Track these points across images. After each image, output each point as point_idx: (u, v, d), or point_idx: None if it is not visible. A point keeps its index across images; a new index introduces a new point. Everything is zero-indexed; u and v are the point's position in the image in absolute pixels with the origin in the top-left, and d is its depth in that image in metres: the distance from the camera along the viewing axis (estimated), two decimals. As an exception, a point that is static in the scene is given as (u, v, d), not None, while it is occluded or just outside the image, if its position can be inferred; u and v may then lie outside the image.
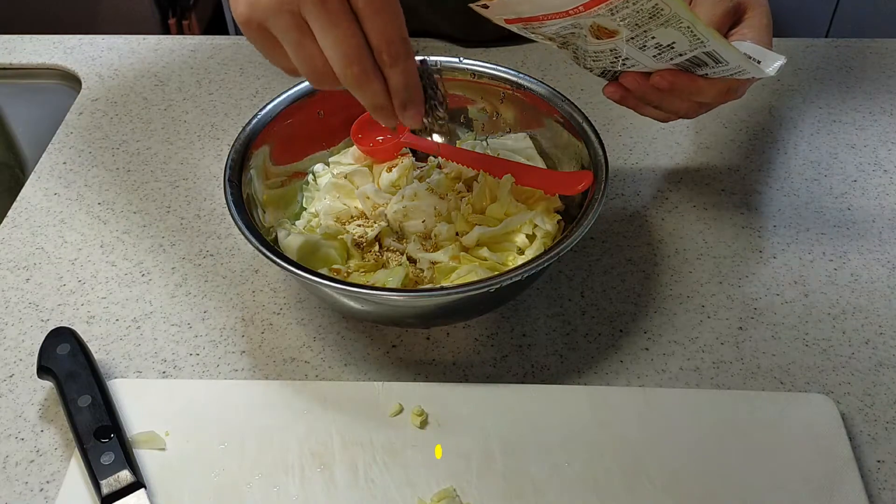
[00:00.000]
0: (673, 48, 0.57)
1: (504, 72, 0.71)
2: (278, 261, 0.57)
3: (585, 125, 0.67)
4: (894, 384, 0.62)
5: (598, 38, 0.58)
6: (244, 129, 0.67)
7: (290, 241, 0.64)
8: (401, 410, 0.60)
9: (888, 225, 0.74)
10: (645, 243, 0.73)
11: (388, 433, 0.59)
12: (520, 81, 0.71)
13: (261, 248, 0.58)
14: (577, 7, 0.54)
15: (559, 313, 0.67)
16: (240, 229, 0.60)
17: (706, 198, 0.77)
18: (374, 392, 0.61)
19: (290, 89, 0.70)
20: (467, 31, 0.94)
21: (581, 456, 0.57)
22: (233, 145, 0.66)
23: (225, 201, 0.62)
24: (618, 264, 0.71)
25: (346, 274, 0.64)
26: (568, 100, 0.69)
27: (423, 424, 0.59)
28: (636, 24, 0.55)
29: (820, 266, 0.71)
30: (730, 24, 0.63)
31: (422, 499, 0.55)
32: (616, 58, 0.60)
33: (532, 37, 0.62)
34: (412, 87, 0.53)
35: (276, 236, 0.66)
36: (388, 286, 0.62)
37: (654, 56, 0.59)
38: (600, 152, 0.64)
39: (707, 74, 0.60)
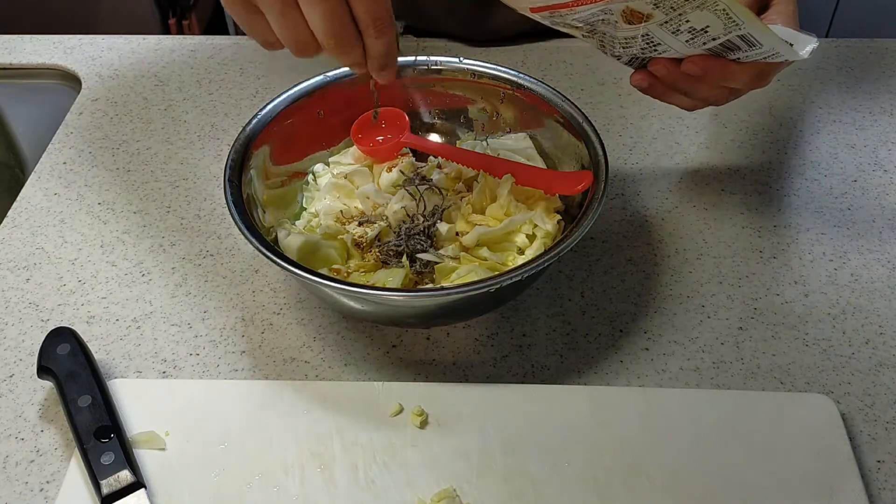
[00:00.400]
0: (707, 32, 0.56)
1: (504, 72, 0.71)
2: (278, 261, 0.57)
3: (585, 125, 0.67)
4: (894, 384, 0.62)
5: (629, 24, 0.57)
6: (244, 129, 0.67)
7: (290, 241, 0.64)
8: (401, 410, 0.60)
9: (888, 225, 0.74)
10: (645, 243, 0.73)
11: (388, 433, 0.59)
12: (520, 81, 0.71)
13: (261, 248, 0.58)
14: None
15: (559, 313, 0.67)
16: (240, 229, 0.60)
17: (706, 198, 0.77)
18: (374, 392, 0.61)
19: (290, 89, 0.70)
20: (472, 29, 0.94)
21: (581, 456, 0.57)
22: (233, 145, 0.66)
23: (225, 201, 0.62)
24: (618, 264, 0.71)
25: (346, 274, 0.64)
26: (568, 100, 0.69)
27: (423, 424, 0.59)
28: (671, 8, 0.54)
29: (820, 266, 0.71)
30: (757, 9, 0.63)
31: (422, 499, 0.55)
32: (647, 43, 0.59)
33: (556, 26, 0.61)
34: (392, 53, 0.54)
35: (276, 236, 0.66)
36: (388, 286, 0.62)
37: (687, 41, 0.58)
38: (600, 152, 0.64)
39: (739, 59, 0.59)
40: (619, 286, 0.69)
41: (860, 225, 0.74)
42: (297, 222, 0.69)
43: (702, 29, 0.56)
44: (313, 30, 0.51)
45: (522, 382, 0.63)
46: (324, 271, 0.63)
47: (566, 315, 0.67)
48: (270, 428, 0.59)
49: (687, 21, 0.55)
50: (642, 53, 0.61)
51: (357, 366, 0.64)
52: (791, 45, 0.58)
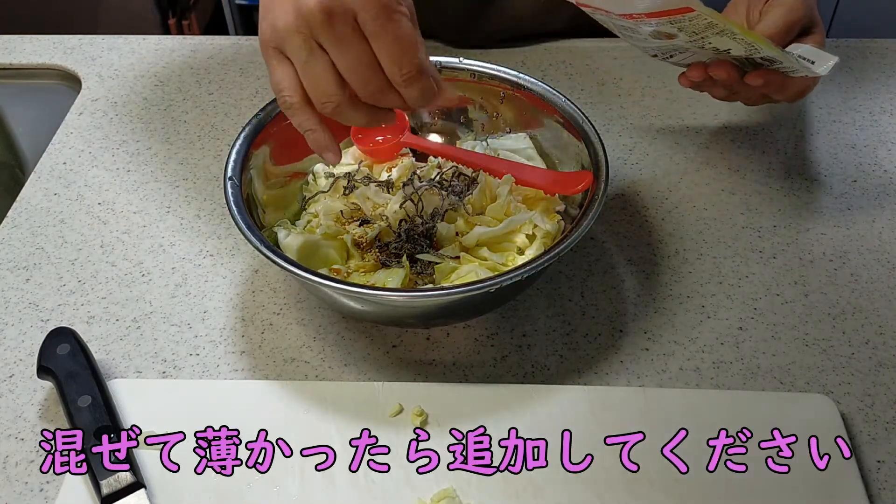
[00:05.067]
0: (730, 52, 0.64)
1: (504, 72, 0.71)
2: (278, 261, 0.57)
3: (585, 125, 0.67)
4: (894, 384, 0.62)
5: (658, 39, 0.65)
6: (244, 128, 0.67)
7: (290, 241, 0.64)
8: (401, 410, 0.60)
9: (888, 225, 0.74)
10: (645, 243, 0.73)
11: (388, 433, 0.59)
12: (520, 81, 0.71)
13: (261, 247, 0.58)
14: (640, 14, 0.60)
15: (559, 313, 0.67)
16: (240, 229, 0.60)
17: (706, 198, 0.77)
18: (374, 392, 0.61)
19: None
20: (462, 33, 0.93)
21: (581, 456, 0.57)
22: (233, 145, 0.66)
23: (225, 201, 0.62)
24: (618, 264, 0.71)
25: (346, 274, 0.64)
26: (568, 100, 0.69)
27: (423, 424, 0.59)
28: (694, 32, 0.61)
29: (820, 266, 0.71)
30: (795, 36, 0.69)
31: (422, 499, 0.55)
32: (675, 51, 0.68)
33: (595, 16, 0.67)
34: (428, 94, 0.53)
35: (277, 236, 0.66)
36: (387, 286, 0.61)
37: (713, 55, 0.66)
38: (600, 152, 0.64)
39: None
40: (619, 286, 0.69)
41: (860, 225, 0.74)
42: (297, 222, 0.69)
43: (724, 50, 0.64)
44: (345, 77, 0.51)
45: (522, 382, 0.63)
46: (323, 271, 0.63)
47: (566, 315, 0.67)
48: (270, 428, 0.59)
49: (710, 43, 0.62)
50: (671, 58, 0.70)
51: (357, 366, 0.64)
52: (812, 62, 0.66)
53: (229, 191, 0.62)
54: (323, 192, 0.70)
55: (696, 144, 0.83)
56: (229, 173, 0.63)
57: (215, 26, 2.16)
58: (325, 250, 0.65)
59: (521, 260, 0.65)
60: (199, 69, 0.94)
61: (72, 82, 0.95)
